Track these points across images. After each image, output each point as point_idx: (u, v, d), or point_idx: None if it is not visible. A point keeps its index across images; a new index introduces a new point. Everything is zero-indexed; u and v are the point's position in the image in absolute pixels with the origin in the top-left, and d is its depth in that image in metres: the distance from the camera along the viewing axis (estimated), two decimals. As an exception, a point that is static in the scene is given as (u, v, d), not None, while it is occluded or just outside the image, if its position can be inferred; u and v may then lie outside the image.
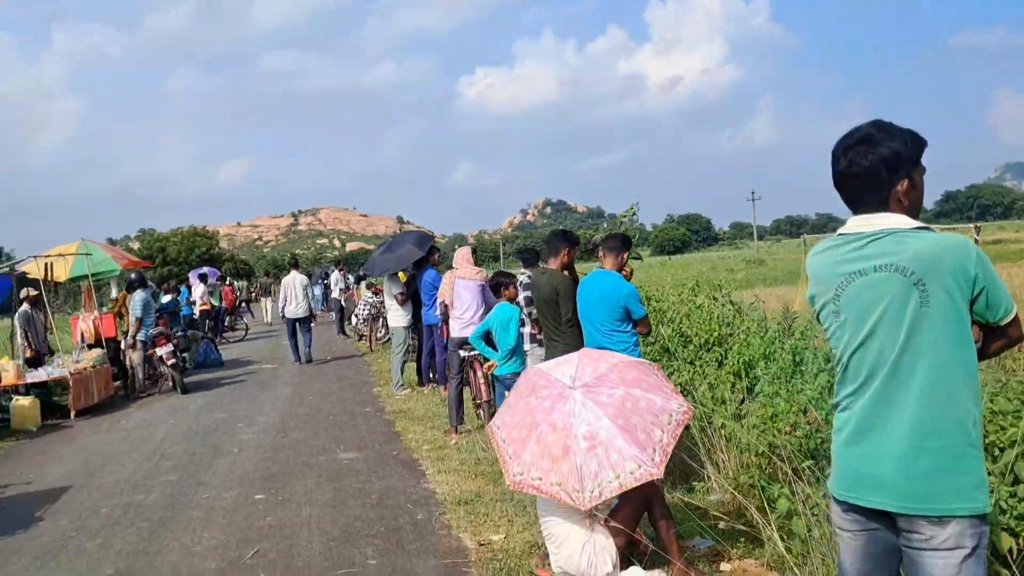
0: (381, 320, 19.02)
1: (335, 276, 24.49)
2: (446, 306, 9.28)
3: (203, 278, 24.36)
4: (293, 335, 17.19)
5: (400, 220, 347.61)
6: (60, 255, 16.05)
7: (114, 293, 18.41)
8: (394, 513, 6.37)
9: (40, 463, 9.28)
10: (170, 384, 14.22)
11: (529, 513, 5.95)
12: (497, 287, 7.39)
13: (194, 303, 22.89)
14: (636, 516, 4.66)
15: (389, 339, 18.79)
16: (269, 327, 29.15)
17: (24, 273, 15.51)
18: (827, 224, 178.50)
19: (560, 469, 4.36)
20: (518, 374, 7.21)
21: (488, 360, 7.42)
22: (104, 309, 17.00)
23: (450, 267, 9.44)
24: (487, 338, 7.55)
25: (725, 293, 10.01)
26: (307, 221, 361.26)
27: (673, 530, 4.61)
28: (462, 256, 9.22)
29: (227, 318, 26.52)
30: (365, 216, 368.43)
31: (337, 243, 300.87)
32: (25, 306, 14.91)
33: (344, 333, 22.97)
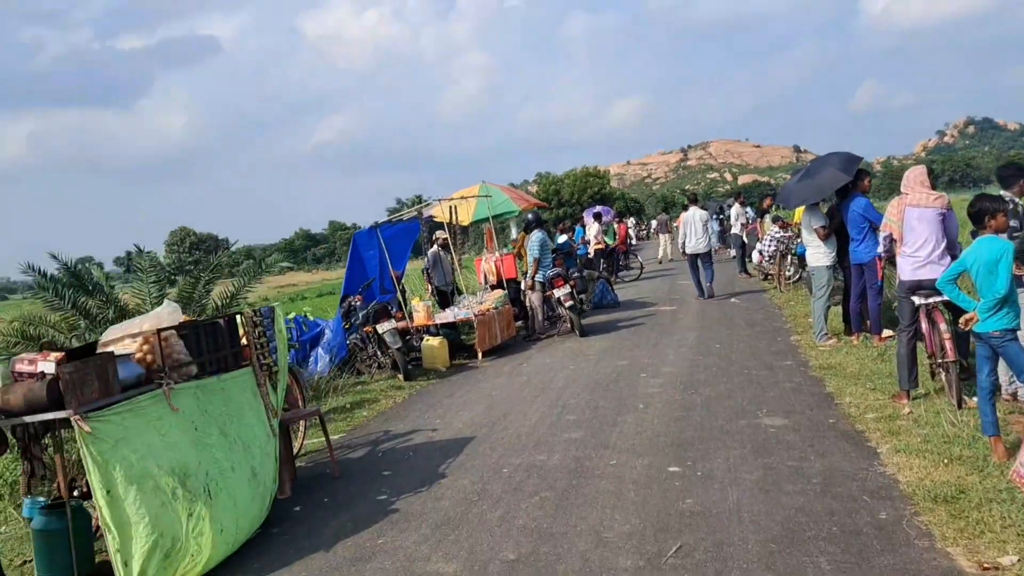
0: (789, 257, 17.25)
1: (735, 209, 22.85)
2: (892, 241, 7.48)
3: (597, 217, 24.12)
4: (695, 270, 17.12)
5: (796, 149, 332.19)
6: (463, 198, 16.43)
7: (514, 234, 18.66)
8: (847, 507, 4.96)
9: (446, 408, 9.18)
10: (568, 326, 13.87)
11: (1050, 528, 4.25)
12: (980, 215, 5.54)
13: (588, 242, 22.74)
14: None
15: (800, 278, 17.09)
16: (660, 266, 28.45)
17: (431, 216, 16.09)
18: None
19: None
20: (1012, 331, 5.38)
21: (966, 312, 5.65)
22: (505, 250, 17.23)
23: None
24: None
25: None
26: (697, 156, 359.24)
27: None
28: (914, 178, 7.33)
29: (621, 257, 26.18)
30: (758, 147, 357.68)
31: (728, 176, 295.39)
32: (435, 247, 15.44)
33: (746, 272, 21.42)
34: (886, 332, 10.17)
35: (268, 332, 6.45)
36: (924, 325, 7.28)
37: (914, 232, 7.15)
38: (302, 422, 7.97)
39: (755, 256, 19.96)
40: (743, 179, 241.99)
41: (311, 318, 12.70)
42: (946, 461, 5.52)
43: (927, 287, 7.05)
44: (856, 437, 6.39)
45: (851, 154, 10.50)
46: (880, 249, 7.67)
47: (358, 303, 12.58)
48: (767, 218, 20.49)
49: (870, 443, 6.21)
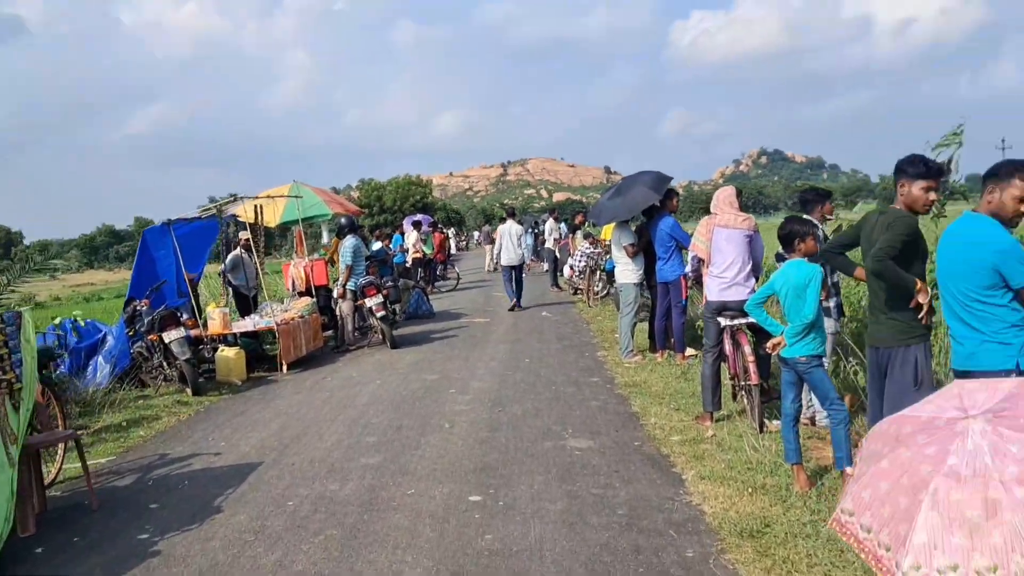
0: (598, 273, 17.42)
1: (549, 224, 23.03)
2: (700, 261, 7.44)
3: (417, 225, 23.63)
4: (510, 282, 17.44)
5: (607, 170, 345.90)
6: (270, 197, 15.52)
7: (325, 239, 17.89)
8: (653, 544, 4.70)
9: (235, 427, 8.37)
10: (379, 337, 13.29)
11: (852, 562, 4.13)
12: (790, 237, 5.48)
13: (407, 251, 22.25)
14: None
15: (608, 294, 17.30)
16: (487, 275, 28.36)
17: (235, 216, 15.05)
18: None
19: (989, 542, 2.53)
20: (819, 357, 5.34)
21: (772, 336, 5.59)
22: (315, 255, 16.44)
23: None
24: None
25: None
26: (516, 172, 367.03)
27: None
28: (724, 199, 7.32)
29: (439, 267, 25.83)
30: (572, 166, 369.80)
31: (544, 193, 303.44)
32: (237, 250, 14.46)
33: (558, 285, 21.56)
34: (689, 351, 10.27)
35: (12, 341, 5.52)
36: (728, 346, 7.26)
37: (721, 253, 7.12)
38: (62, 445, 6.99)
39: (566, 270, 20.12)
40: (558, 196, 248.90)
41: (82, 323, 11.39)
42: (750, 490, 5.40)
43: (733, 308, 7.03)
44: (662, 462, 6.22)
45: (661, 173, 10.55)
46: (688, 269, 7.64)
47: (144, 307, 11.43)
48: (579, 234, 20.72)
49: (675, 468, 6.04)
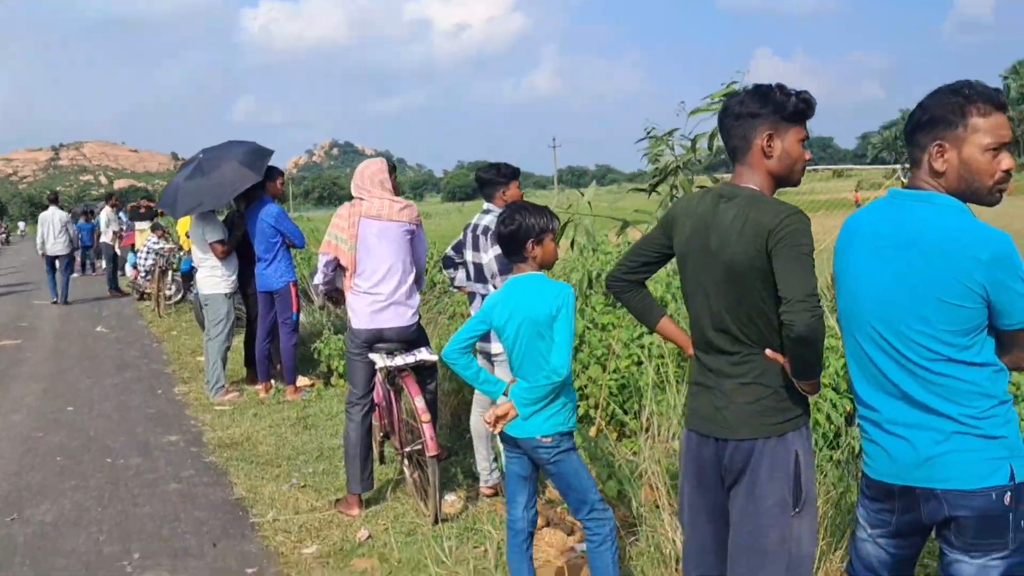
0: (171, 274, 14.11)
1: (106, 214, 18.67)
2: (336, 268, 4.95)
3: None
4: (52, 273, 16.29)
5: (175, 156, 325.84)
6: None
7: None
8: None
9: None
10: None
11: None
12: (519, 237, 3.23)
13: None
14: None
15: (183, 299, 14.08)
16: (28, 279, 22.86)
17: None
18: (605, 175, 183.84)
19: None
20: (570, 435, 3.23)
21: (497, 401, 3.36)
22: None
23: (346, 198, 5.07)
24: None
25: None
26: (70, 156, 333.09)
27: None
28: (371, 176, 4.86)
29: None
30: (136, 151, 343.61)
31: (104, 179, 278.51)
32: None
33: (118, 289, 17.58)
34: (302, 380, 7.85)
35: None
36: (380, 393, 4.95)
37: (373, 256, 4.71)
38: None
39: (128, 270, 16.46)
40: (119, 183, 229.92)
41: None
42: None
43: (391, 339, 4.70)
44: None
45: (258, 146, 7.92)
46: (317, 280, 5.09)
47: None
48: (143, 225, 17.13)
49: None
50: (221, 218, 7.96)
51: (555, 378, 3.07)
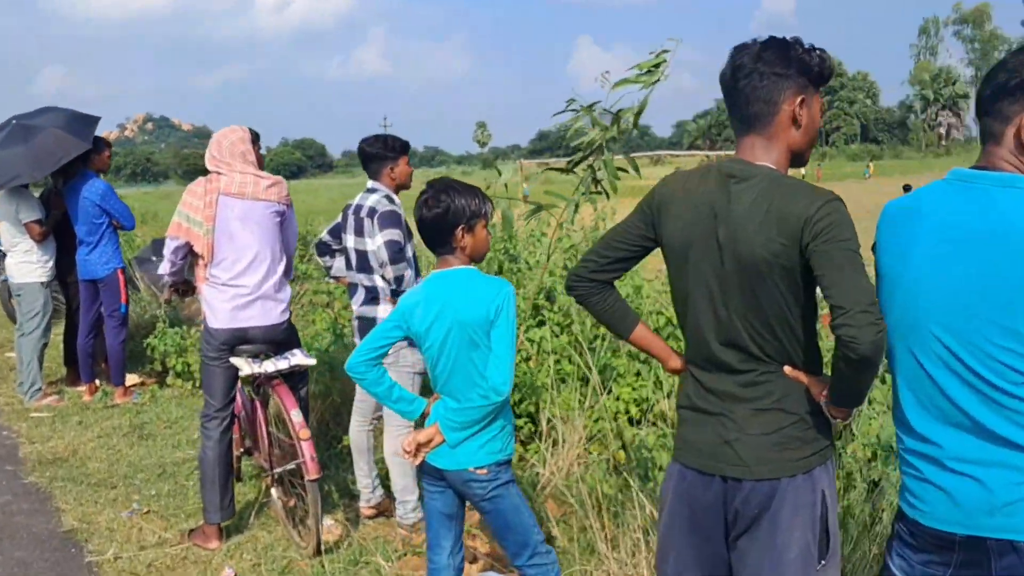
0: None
1: None
2: (188, 255, 4.17)
3: None
4: None
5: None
6: None
7: None
8: None
9: None
10: None
11: None
12: (447, 222, 2.63)
13: None
14: None
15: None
16: None
17: None
18: (435, 156, 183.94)
19: None
20: (507, 465, 2.72)
21: (416, 427, 2.79)
22: None
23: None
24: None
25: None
26: None
27: None
28: (230, 145, 4.07)
29: None
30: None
31: None
32: None
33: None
34: (131, 379, 6.95)
35: None
36: (240, 402, 4.25)
37: (235, 242, 3.97)
38: None
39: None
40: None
41: None
42: None
43: (257, 340, 4.00)
44: None
45: (81, 113, 6.93)
46: (164, 269, 4.29)
47: None
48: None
49: None
50: (38, 194, 6.91)
51: (494, 397, 2.53)
